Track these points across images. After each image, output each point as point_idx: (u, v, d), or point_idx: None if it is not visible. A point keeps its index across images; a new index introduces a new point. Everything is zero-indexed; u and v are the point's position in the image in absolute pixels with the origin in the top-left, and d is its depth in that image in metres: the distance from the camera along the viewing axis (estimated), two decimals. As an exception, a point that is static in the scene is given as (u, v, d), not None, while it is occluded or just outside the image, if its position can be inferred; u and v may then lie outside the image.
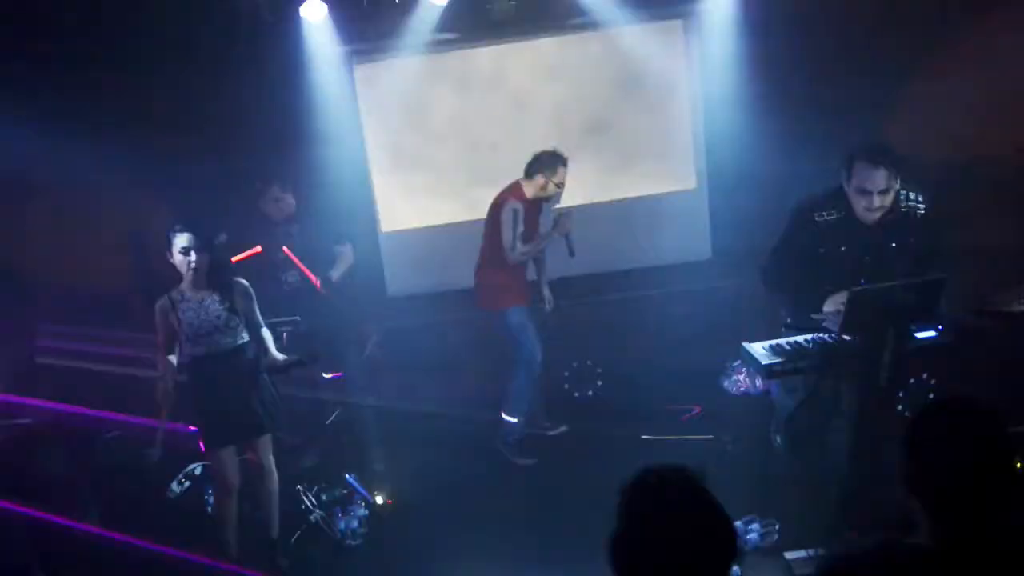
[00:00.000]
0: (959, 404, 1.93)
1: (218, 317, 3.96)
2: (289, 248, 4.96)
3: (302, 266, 4.93)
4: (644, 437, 5.15)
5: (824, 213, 3.72)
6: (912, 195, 3.69)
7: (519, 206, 4.89)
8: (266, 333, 4.20)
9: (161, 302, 3.96)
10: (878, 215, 3.60)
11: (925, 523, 1.85)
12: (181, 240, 3.89)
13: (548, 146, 4.94)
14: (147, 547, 4.05)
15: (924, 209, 3.70)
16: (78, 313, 5.34)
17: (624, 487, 1.73)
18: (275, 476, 4.25)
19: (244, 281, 4.11)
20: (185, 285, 3.97)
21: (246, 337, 4.10)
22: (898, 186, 3.58)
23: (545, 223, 5.10)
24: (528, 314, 5.16)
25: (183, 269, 3.92)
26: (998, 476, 1.80)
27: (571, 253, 4.93)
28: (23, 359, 5.01)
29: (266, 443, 4.20)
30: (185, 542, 4.09)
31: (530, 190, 4.95)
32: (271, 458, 4.23)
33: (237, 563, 4.07)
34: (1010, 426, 1.85)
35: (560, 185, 4.91)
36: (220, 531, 4.15)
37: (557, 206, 5.06)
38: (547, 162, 4.87)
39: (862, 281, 3.58)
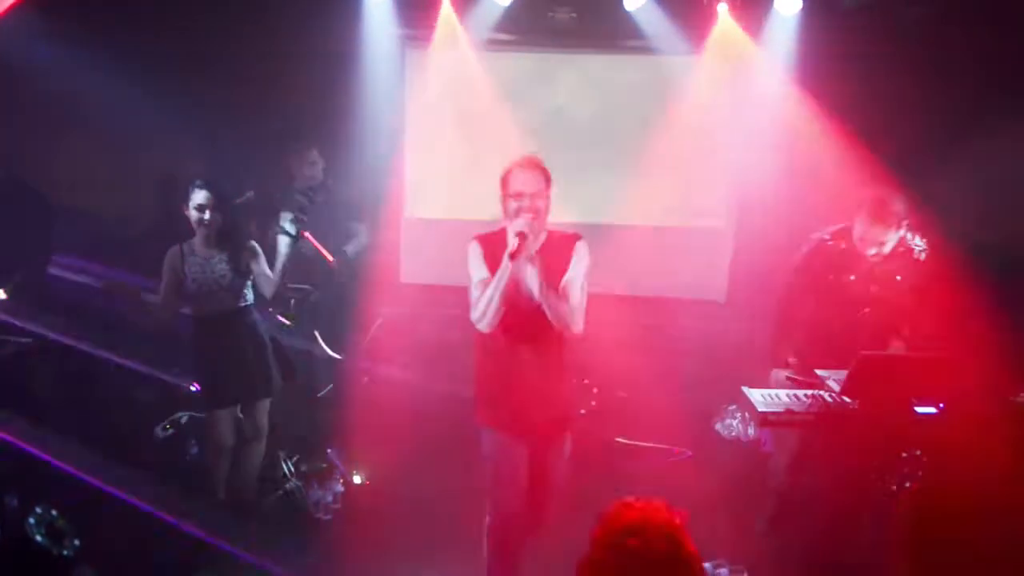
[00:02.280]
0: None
1: (223, 277, 3.99)
2: (308, 215, 4.99)
3: (315, 243, 4.95)
4: (619, 439, 5.21)
5: (835, 241, 4.02)
6: (917, 239, 3.98)
7: (475, 245, 3.41)
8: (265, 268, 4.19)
9: (172, 251, 4.01)
10: (879, 258, 3.85)
11: None
12: (198, 196, 3.93)
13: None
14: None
15: (924, 252, 3.99)
16: (92, 247, 5.38)
17: (602, 515, 1.73)
18: (264, 438, 4.28)
19: (254, 243, 4.14)
20: (197, 240, 4.01)
21: (250, 299, 4.11)
22: (902, 233, 3.83)
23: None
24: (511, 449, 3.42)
25: (196, 225, 3.95)
26: None
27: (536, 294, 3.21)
28: (39, 278, 5.05)
29: (264, 406, 4.25)
30: (161, 479, 4.16)
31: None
32: (265, 420, 4.27)
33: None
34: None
35: (517, 196, 3.27)
36: (208, 482, 4.24)
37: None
38: (501, 180, 3.40)
39: (866, 310, 3.86)
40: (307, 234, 4.92)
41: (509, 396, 3.35)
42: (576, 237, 3.42)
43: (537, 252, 3.24)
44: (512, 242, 3.13)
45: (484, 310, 3.21)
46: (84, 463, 4.09)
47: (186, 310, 4.11)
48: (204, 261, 3.99)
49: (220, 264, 4.00)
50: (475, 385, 3.51)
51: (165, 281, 4.03)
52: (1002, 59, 5.38)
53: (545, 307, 3.21)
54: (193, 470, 4.60)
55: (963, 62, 5.46)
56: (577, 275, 3.36)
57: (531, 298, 3.23)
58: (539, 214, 3.27)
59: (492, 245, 3.32)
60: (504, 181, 3.36)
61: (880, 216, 3.78)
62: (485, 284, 3.23)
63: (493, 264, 3.24)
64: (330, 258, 5.03)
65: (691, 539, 1.71)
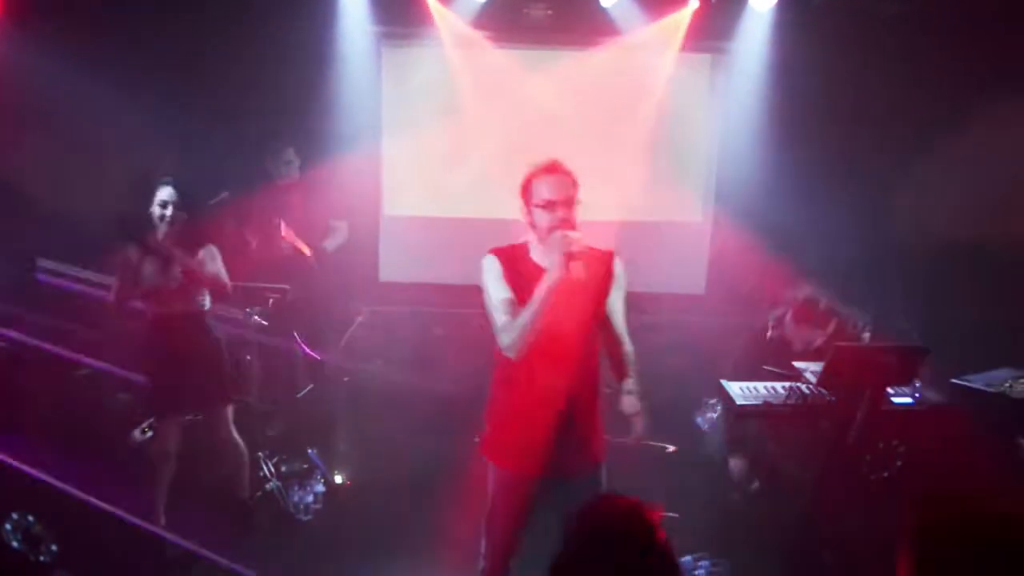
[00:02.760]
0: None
1: (177, 277, 3.89)
2: (287, 213, 4.97)
3: (292, 238, 4.92)
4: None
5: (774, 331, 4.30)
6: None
7: (492, 260, 2.98)
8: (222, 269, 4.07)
9: (128, 250, 3.87)
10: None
11: None
12: (162, 193, 3.85)
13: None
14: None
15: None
16: (70, 250, 5.31)
17: (577, 513, 1.74)
18: (240, 447, 4.20)
19: (213, 246, 4.03)
20: (155, 239, 3.88)
21: (207, 305, 4.05)
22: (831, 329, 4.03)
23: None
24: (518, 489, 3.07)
25: (157, 222, 3.87)
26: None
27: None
28: (23, 278, 4.98)
29: (224, 416, 4.11)
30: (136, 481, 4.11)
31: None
32: (231, 432, 4.16)
33: (159, 525, 4.05)
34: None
35: (548, 207, 2.89)
36: (153, 490, 4.08)
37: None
38: (522, 187, 2.98)
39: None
40: (284, 230, 4.91)
41: (532, 434, 2.91)
42: (611, 254, 3.05)
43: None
44: (552, 261, 2.78)
45: (520, 336, 2.80)
46: (60, 468, 4.04)
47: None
48: (163, 261, 3.86)
49: (177, 264, 3.92)
50: (489, 415, 3.10)
51: (118, 282, 3.91)
52: (976, 57, 5.45)
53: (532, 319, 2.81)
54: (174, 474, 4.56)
55: (936, 59, 5.53)
56: (620, 300, 3.07)
57: (571, 323, 2.87)
58: (576, 226, 2.88)
59: (512, 260, 2.95)
60: (526, 189, 2.94)
61: (807, 318, 3.86)
62: (510, 304, 2.85)
63: (514, 281, 2.89)
64: (307, 251, 5.00)
65: (665, 534, 1.72)
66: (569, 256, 2.76)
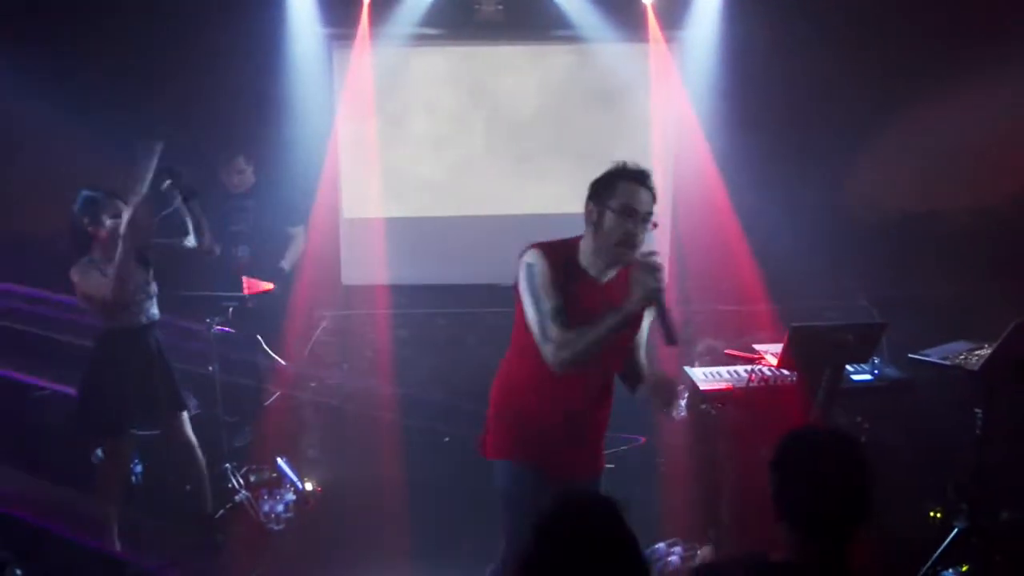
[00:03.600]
0: (824, 433, 2.14)
1: (137, 286, 3.86)
2: (242, 222, 4.93)
3: (255, 285, 4.86)
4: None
5: None
6: None
7: (539, 258, 2.75)
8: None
9: (80, 264, 3.79)
10: None
11: (790, 540, 1.97)
12: (111, 210, 3.79)
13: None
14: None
15: None
16: (23, 270, 5.19)
17: (541, 511, 1.74)
18: (198, 451, 4.17)
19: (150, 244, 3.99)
20: (98, 253, 3.82)
21: (156, 315, 4.00)
22: None
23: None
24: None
25: (107, 237, 3.78)
26: (860, 500, 1.93)
27: (669, 340, 2.66)
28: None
29: (182, 421, 4.11)
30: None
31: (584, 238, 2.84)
32: (190, 434, 4.14)
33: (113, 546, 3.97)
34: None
35: (630, 214, 2.69)
36: (102, 504, 4.01)
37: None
38: (601, 182, 2.82)
39: None
40: (244, 282, 4.85)
41: (556, 436, 2.82)
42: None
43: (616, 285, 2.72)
44: (641, 286, 2.57)
45: (580, 356, 2.62)
46: (21, 491, 3.96)
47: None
48: (114, 275, 3.75)
49: (135, 273, 3.87)
50: (507, 414, 2.92)
51: (119, 276, 3.75)
52: (929, 31, 5.55)
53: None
54: (139, 490, 4.49)
55: (887, 33, 5.63)
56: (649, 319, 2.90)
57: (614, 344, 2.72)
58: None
59: (560, 262, 2.72)
60: (611, 187, 2.73)
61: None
62: (561, 313, 2.63)
63: (562, 287, 2.68)
64: (269, 287, 4.96)
65: (627, 522, 1.72)
66: (656, 291, 2.57)
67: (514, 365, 2.89)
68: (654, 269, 2.58)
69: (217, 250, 4.21)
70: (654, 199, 2.74)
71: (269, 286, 4.97)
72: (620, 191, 2.69)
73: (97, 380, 3.90)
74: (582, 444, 2.90)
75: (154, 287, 3.97)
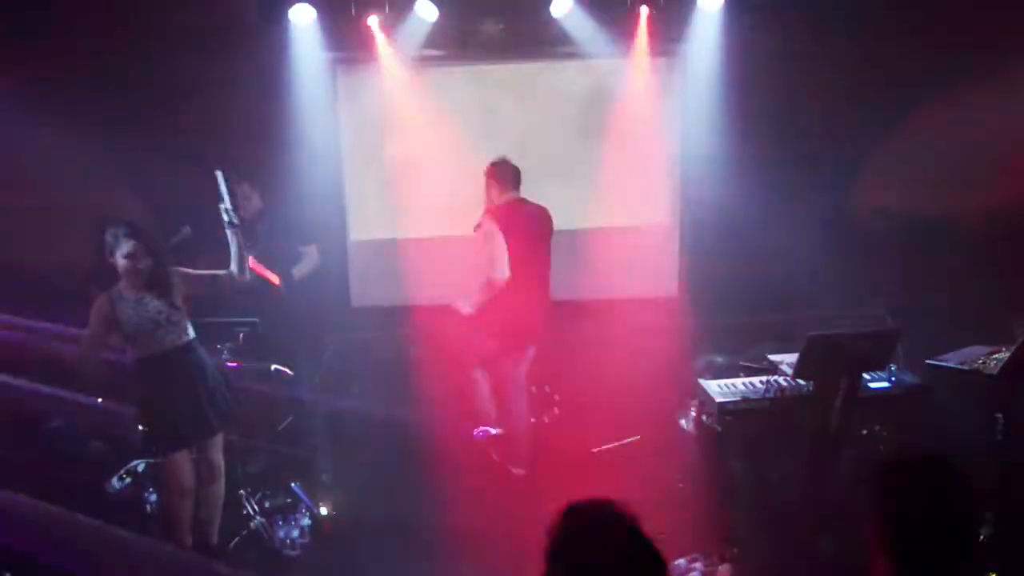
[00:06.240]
0: (934, 459, 1.95)
1: (159, 312, 3.91)
2: (252, 247, 4.92)
3: (258, 267, 4.86)
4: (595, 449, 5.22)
5: None
6: None
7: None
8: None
9: (100, 300, 3.89)
10: None
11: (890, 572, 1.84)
12: (126, 246, 3.83)
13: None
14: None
15: None
16: (32, 303, 5.20)
17: (551, 528, 1.70)
18: (223, 477, 4.18)
19: (179, 268, 4.04)
20: (123, 285, 3.91)
21: (192, 334, 4.03)
22: None
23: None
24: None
25: (126, 273, 3.86)
26: (967, 532, 1.82)
27: None
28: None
29: (218, 443, 4.16)
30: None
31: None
32: (221, 458, 4.19)
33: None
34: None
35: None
36: (174, 531, 4.09)
37: None
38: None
39: None
40: (251, 261, 4.84)
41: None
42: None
43: None
44: None
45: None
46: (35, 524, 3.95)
47: (128, 361, 3.99)
48: (136, 302, 3.88)
49: (153, 302, 3.90)
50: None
51: (90, 332, 3.91)
52: (929, 37, 5.54)
53: None
54: (153, 520, 4.46)
55: (889, 40, 5.63)
56: None
57: None
58: None
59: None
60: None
61: None
62: None
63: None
64: (275, 280, 4.95)
65: (646, 532, 1.68)
66: None
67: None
68: None
69: (248, 276, 4.22)
70: None
71: (276, 279, 4.97)
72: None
73: (143, 405, 4.02)
74: None
75: (177, 314, 3.97)
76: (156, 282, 3.92)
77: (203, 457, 4.16)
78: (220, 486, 4.20)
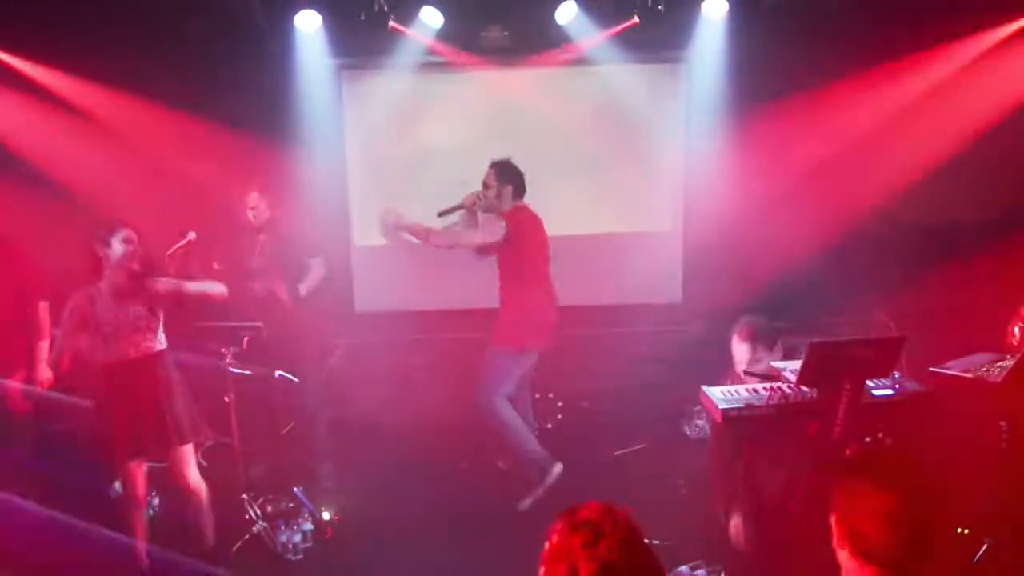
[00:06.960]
0: (893, 456, 2.04)
1: (139, 317, 3.86)
2: (259, 256, 4.96)
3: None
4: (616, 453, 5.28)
5: None
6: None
7: None
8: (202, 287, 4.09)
9: (78, 297, 3.84)
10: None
11: (848, 567, 1.90)
12: (120, 248, 3.81)
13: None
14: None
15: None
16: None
17: (549, 532, 1.70)
18: (202, 489, 4.06)
19: (168, 279, 3.97)
20: (105, 284, 3.86)
21: (163, 343, 3.99)
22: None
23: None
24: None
25: (113, 267, 3.82)
26: (923, 531, 1.85)
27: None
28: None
29: (185, 456, 3.99)
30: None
31: None
32: (194, 471, 4.04)
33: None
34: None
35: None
36: (132, 540, 4.04)
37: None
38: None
39: None
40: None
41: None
42: None
43: None
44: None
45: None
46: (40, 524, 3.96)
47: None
48: (116, 303, 3.84)
49: (134, 305, 3.85)
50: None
51: (63, 331, 3.87)
52: (932, 41, 5.55)
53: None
54: (155, 523, 4.47)
55: (890, 44, 5.63)
56: None
57: None
58: None
59: None
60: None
61: (744, 334, 3.96)
62: None
63: None
64: (283, 295, 4.98)
65: (646, 538, 1.68)
66: None
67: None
68: None
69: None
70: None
71: (283, 295, 5.06)
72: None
73: (101, 412, 3.95)
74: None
75: (155, 322, 3.93)
76: (142, 287, 3.87)
77: (175, 474, 4.03)
78: (197, 499, 4.07)
